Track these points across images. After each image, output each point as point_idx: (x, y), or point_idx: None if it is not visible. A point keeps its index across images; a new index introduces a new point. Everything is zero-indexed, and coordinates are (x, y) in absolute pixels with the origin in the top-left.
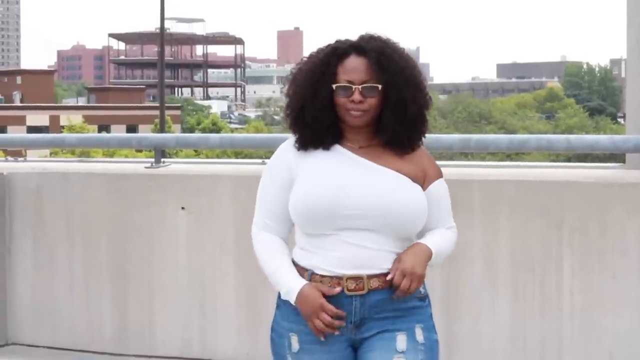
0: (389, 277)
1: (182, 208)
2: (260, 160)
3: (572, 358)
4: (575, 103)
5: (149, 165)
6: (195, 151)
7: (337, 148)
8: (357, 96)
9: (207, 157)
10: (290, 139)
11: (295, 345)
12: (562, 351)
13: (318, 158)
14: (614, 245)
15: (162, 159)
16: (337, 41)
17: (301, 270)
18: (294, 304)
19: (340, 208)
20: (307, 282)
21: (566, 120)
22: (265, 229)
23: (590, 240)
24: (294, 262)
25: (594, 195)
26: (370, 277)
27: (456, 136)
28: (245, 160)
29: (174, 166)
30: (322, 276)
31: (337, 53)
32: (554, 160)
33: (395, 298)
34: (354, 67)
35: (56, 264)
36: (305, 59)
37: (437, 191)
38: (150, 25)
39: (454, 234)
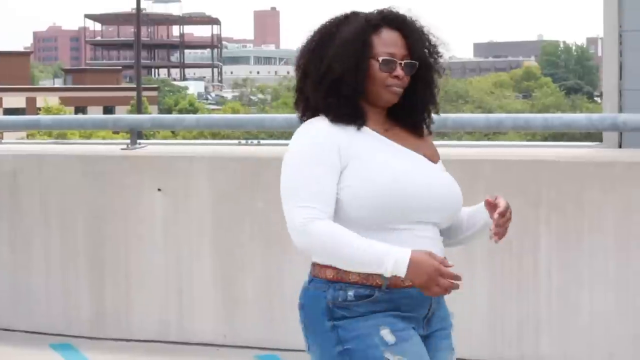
0: (499, 210)
1: (159, 189)
2: (236, 141)
3: (549, 337)
4: (552, 82)
5: (124, 147)
6: (173, 133)
7: (367, 130)
8: (400, 71)
9: (184, 138)
10: (318, 119)
11: (390, 337)
12: (539, 330)
13: (368, 142)
14: (591, 224)
15: (139, 141)
16: (354, 12)
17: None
18: (403, 276)
19: (428, 200)
20: (409, 248)
21: (542, 99)
22: (319, 217)
23: (567, 219)
24: None
25: (571, 174)
26: None
27: (433, 115)
28: (222, 141)
29: (150, 147)
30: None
31: (371, 24)
32: (530, 140)
33: (496, 240)
34: (394, 41)
35: (32, 247)
36: (327, 24)
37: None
38: (127, 5)
39: None
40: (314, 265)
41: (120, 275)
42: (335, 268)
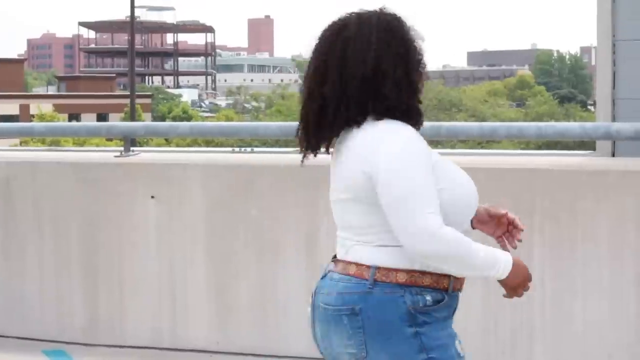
0: (521, 225)
1: (152, 197)
2: (230, 149)
3: (543, 345)
4: (545, 90)
5: (118, 154)
6: (167, 140)
7: None
8: (425, 76)
9: (178, 146)
10: (400, 123)
11: (459, 348)
12: (533, 338)
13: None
14: (585, 232)
15: (132, 148)
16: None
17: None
18: (504, 277)
19: (474, 206)
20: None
21: (536, 108)
22: (444, 223)
23: (560, 228)
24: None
25: (564, 183)
26: None
27: (427, 124)
28: (216, 148)
29: (144, 155)
30: (456, 278)
31: None
32: (524, 148)
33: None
34: None
35: (26, 254)
36: (378, 22)
37: None
38: (121, 13)
39: None
40: (378, 269)
41: (114, 282)
42: (407, 272)
